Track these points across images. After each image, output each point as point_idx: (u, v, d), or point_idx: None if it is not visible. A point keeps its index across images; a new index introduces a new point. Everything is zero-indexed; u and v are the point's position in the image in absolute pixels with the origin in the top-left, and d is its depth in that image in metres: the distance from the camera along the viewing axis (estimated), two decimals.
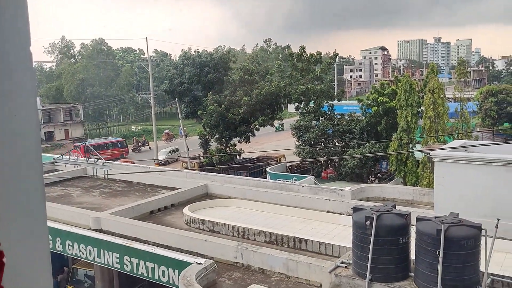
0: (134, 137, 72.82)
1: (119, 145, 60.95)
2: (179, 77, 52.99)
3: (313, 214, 17.49)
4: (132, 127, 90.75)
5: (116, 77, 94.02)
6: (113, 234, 16.09)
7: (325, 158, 36.86)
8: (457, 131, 29.61)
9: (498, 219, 9.65)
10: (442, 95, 28.01)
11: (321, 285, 11.40)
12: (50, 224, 17.25)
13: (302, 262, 12.16)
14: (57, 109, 78.75)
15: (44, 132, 75.88)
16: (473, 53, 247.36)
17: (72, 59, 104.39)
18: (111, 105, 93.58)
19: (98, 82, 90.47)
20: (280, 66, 47.98)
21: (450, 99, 38.90)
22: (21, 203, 1.29)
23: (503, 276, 10.64)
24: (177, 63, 59.48)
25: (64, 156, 27.13)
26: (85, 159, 26.03)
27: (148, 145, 67.93)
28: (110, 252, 14.91)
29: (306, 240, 14.30)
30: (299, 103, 42.66)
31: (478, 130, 46.00)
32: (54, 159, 28.50)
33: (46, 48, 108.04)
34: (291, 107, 57.57)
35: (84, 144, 65.81)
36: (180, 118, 53.16)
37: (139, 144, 68.84)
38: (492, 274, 10.31)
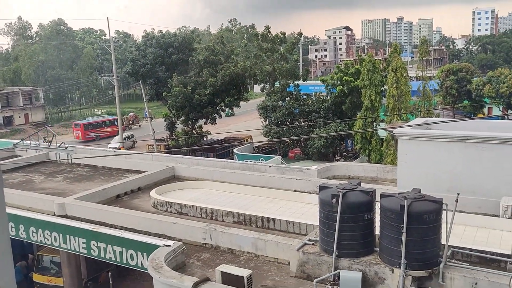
0: (130, 114, 74.46)
1: (115, 123, 60.53)
2: (142, 58, 51.85)
3: (280, 194, 17.66)
4: (96, 110, 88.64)
5: (77, 59, 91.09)
6: (78, 219, 15.82)
7: (291, 138, 37.16)
8: (419, 109, 30.34)
9: (458, 194, 10.00)
10: (405, 74, 28.57)
11: (289, 263, 11.58)
12: (12, 211, 16.79)
13: (270, 241, 12.31)
14: (16, 93, 75.98)
15: (3, 117, 73.24)
16: (434, 32, 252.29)
17: (30, 40, 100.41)
18: (73, 88, 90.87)
19: (59, 64, 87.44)
20: (246, 46, 47.68)
21: (413, 78, 39.68)
22: None
23: (462, 248, 11.08)
24: (139, 44, 58.04)
25: (24, 141, 26.26)
26: (48, 143, 25.29)
27: (139, 123, 69.74)
28: (76, 238, 14.67)
29: (274, 219, 14.45)
30: (265, 83, 42.66)
31: (439, 107, 47.23)
32: (14, 144, 27.55)
33: (1, 29, 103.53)
34: (257, 88, 57.53)
35: (83, 122, 64.76)
36: (144, 100, 52.31)
37: (130, 122, 70.51)
38: (453, 247, 10.72)
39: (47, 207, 16.95)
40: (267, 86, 42.51)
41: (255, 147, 43.01)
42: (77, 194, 17.89)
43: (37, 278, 21.57)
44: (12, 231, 16.64)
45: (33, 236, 16.03)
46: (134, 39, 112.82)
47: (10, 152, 26.81)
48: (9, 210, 16.95)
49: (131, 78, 60.52)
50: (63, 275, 18.14)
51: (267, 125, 40.98)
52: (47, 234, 15.54)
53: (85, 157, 24.11)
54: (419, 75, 32.61)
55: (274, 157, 33.98)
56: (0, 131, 68.12)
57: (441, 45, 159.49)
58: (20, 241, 17.78)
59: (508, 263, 10.25)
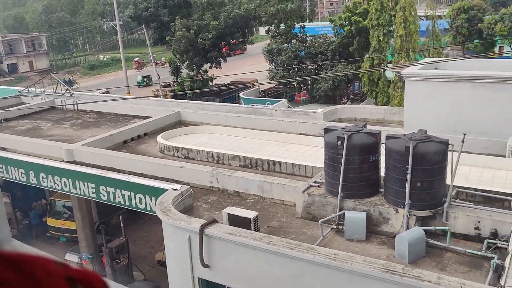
0: (135, 59, 72.24)
1: None
2: (144, 1, 50.49)
3: (286, 137, 17.68)
4: (100, 56, 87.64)
5: (79, 3, 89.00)
6: (87, 165, 16.02)
7: (297, 79, 36.72)
8: (428, 49, 29.64)
9: (464, 134, 9.93)
10: (413, 13, 27.66)
11: (295, 205, 11.76)
12: (21, 158, 17.04)
13: (276, 184, 12.45)
14: (18, 40, 75.03)
15: (7, 65, 72.74)
16: None
17: None
18: (76, 34, 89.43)
19: (60, 8, 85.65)
20: None
21: (422, 17, 38.50)
22: None
23: (467, 188, 11.15)
24: None
25: (30, 89, 26.22)
26: (52, 91, 25.20)
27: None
28: (86, 183, 14.93)
29: (279, 163, 14.55)
30: (270, 25, 41.65)
31: (449, 47, 46.13)
32: (19, 91, 27.55)
33: None
34: (262, 31, 56.23)
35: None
36: (148, 45, 51.49)
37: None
38: (457, 187, 10.79)
39: (55, 153, 17.15)
40: (272, 28, 41.51)
41: (261, 91, 42.68)
42: (85, 140, 18.03)
43: (51, 222, 22.27)
44: (23, 177, 16.95)
45: (44, 182, 16.34)
46: None
47: (16, 100, 26.85)
48: (19, 157, 17.20)
49: (133, 22, 59.17)
50: (75, 219, 18.66)
51: (273, 68, 40.42)
52: (57, 179, 15.82)
53: (91, 102, 24.07)
54: (428, 14, 31.55)
55: (280, 100, 33.76)
56: (5, 78, 67.90)
57: None
58: (34, 187, 18.15)
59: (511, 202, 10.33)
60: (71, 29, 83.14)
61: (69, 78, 66.04)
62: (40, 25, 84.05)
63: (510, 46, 46.56)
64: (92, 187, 14.79)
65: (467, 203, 10.45)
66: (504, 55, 46.18)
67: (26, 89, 26.55)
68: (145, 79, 58.22)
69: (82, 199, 16.75)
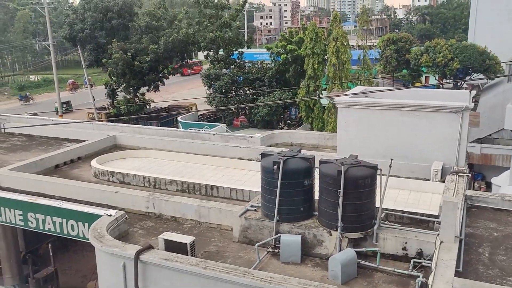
0: (69, 81, 70.51)
1: None
2: (80, 22, 49.42)
3: (224, 162, 17.80)
4: (31, 76, 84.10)
5: (9, 21, 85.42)
6: (14, 191, 15.23)
7: (236, 106, 37.17)
8: (359, 77, 31.14)
9: (392, 159, 10.54)
10: (345, 43, 29.08)
11: (232, 229, 11.82)
12: None
13: (214, 208, 12.47)
14: None
15: None
16: (377, 1, 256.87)
17: None
18: (5, 53, 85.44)
19: None
20: (188, 13, 46.56)
21: (355, 47, 40.46)
22: None
23: (395, 210, 11.75)
24: (77, 7, 55.15)
25: None
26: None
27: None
28: (12, 210, 14.17)
29: (217, 187, 14.60)
30: (209, 51, 42.08)
31: (379, 76, 48.64)
32: None
33: None
34: (201, 55, 56.58)
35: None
36: (83, 66, 50.23)
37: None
38: (386, 209, 11.34)
39: None
40: (211, 53, 41.96)
41: (200, 115, 42.72)
42: (12, 165, 17.16)
43: None
44: None
45: None
46: (71, 1, 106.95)
47: None
48: None
49: (68, 43, 57.65)
50: (0, 249, 17.54)
51: (211, 93, 40.68)
52: None
53: (20, 126, 23.02)
54: (360, 44, 33.29)
55: (219, 125, 33.96)
56: None
57: (383, 14, 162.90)
58: None
59: (435, 223, 10.98)
60: (0, 47, 79.42)
61: (26, 94, 63.64)
62: None
63: (434, 77, 49.87)
64: (19, 214, 14.06)
65: (396, 224, 11.00)
66: (429, 84, 49.39)
67: None
68: (64, 105, 54.26)
69: (7, 226, 15.81)
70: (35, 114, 37.29)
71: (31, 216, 13.82)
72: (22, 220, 14.07)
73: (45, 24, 53.09)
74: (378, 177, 10.44)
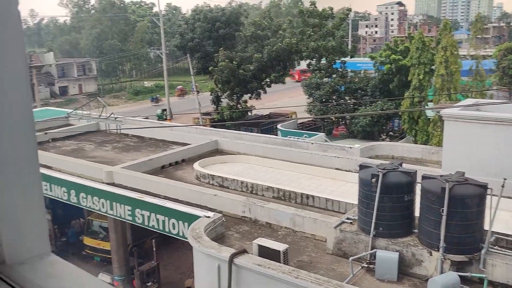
0: (177, 87, 76.57)
1: None
2: (191, 32, 52.33)
3: (321, 171, 17.65)
4: (145, 82, 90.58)
5: (130, 32, 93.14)
6: (125, 187, 16.48)
7: (336, 115, 36.70)
8: (470, 89, 29.14)
9: (505, 179, 9.70)
10: (455, 53, 27.38)
11: (326, 240, 11.67)
12: (64, 177, 17.70)
13: (308, 217, 12.41)
14: (71, 64, 78.76)
15: (59, 87, 76.21)
16: (495, 8, 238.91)
17: (87, 13, 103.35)
18: (124, 61, 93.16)
19: (111, 36, 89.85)
20: (291, 22, 47.04)
21: (467, 57, 37.98)
22: (13, 154, 1.39)
23: (507, 235, 10.77)
24: (188, 18, 58.52)
25: (77, 111, 27.44)
26: (99, 114, 26.19)
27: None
28: (122, 205, 15.33)
29: (313, 197, 14.52)
30: (311, 59, 42.12)
31: (494, 88, 45.13)
32: (67, 113, 28.83)
33: (60, 1, 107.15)
34: (303, 64, 56.83)
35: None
36: (192, 74, 52.93)
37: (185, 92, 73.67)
38: (496, 233, 10.45)
39: (96, 174, 17.75)
40: (313, 62, 41.96)
41: (299, 123, 42.81)
42: (124, 163, 18.59)
43: (87, 241, 22.80)
44: (65, 196, 17.58)
45: (83, 202, 16.88)
46: (183, 12, 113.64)
47: (64, 121, 28.07)
48: (62, 176, 17.89)
49: (179, 51, 61.29)
50: (110, 240, 19.06)
51: (311, 102, 40.62)
52: (95, 200, 16.32)
53: (133, 128, 24.85)
54: (472, 53, 31.13)
55: (318, 134, 33.76)
56: (56, 100, 71.07)
57: (501, 21, 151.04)
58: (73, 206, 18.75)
59: None
60: (120, 55, 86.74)
61: (156, 96, 70.19)
62: (92, 51, 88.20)
63: None
64: (128, 210, 15.16)
65: (507, 251, 10.09)
66: None
67: (74, 111, 27.77)
68: (164, 112, 57.22)
69: (118, 220, 17.15)
70: (146, 118, 40.08)
71: (138, 212, 14.83)
72: (130, 215, 15.16)
73: (160, 34, 56.93)
74: (488, 197, 9.67)
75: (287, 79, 53.87)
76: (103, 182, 17.12)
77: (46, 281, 1.36)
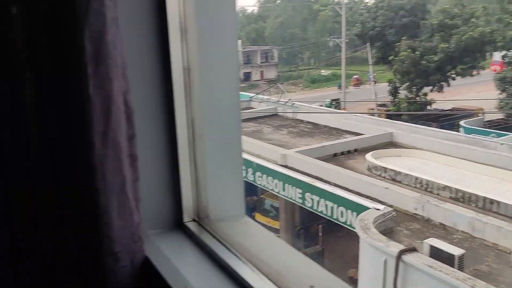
0: (354, 77, 75.78)
1: None
2: (372, 20, 51.11)
3: (510, 176, 15.77)
4: (322, 71, 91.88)
5: (311, 20, 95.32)
6: (297, 171, 17.08)
7: None
8: None
9: None
10: None
11: (511, 252, 10.45)
12: (244, 156, 19.10)
13: (492, 224, 11.26)
14: (255, 51, 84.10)
15: (243, 73, 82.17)
16: None
17: (274, 3, 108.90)
18: (304, 49, 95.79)
19: (294, 25, 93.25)
20: (486, 9, 42.49)
21: None
22: (223, 129, 1.58)
23: None
24: (370, 6, 57.19)
25: (258, 95, 29.25)
26: (278, 99, 27.50)
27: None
28: (294, 187, 15.95)
29: (498, 202, 13.08)
30: (507, 51, 37.57)
31: None
32: (250, 97, 30.94)
33: None
34: (497, 56, 51.13)
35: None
36: (370, 63, 51.89)
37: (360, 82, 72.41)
38: None
39: (272, 156, 18.75)
40: (510, 54, 37.35)
41: (487, 121, 38.75)
42: (298, 148, 19.25)
43: (259, 218, 24.30)
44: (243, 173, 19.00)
45: (259, 180, 18.03)
46: (366, 1, 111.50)
47: (247, 104, 30.21)
48: (244, 155, 19.34)
49: (359, 40, 60.50)
50: (280, 220, 20.03)
51: (504, 98, 36.35)
52: (270, 180, 17.30)
53: (307, 112, 25.46)
54: None
55: (509, 134, 30.12)
56: (240, 85, 76.89)
57: None
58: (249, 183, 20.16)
59: None
60: (301, 44, 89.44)
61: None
62: (275, 39, 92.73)
63: None
64: (299, 193, 15.72)
65: None
66: None
67: (256, 95, 29.67)
68: (333, 102, 55.89)
69: (289, 202, 17.91)
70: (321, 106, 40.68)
71: (308, 196, 15.28)
72: (300, 198, 15.71)
73: (341, 22, 56.91)
74: None
75: (484, 72, 48.95)
76: (277, 164, 18.00)
77: (242, 237, 1.51)
